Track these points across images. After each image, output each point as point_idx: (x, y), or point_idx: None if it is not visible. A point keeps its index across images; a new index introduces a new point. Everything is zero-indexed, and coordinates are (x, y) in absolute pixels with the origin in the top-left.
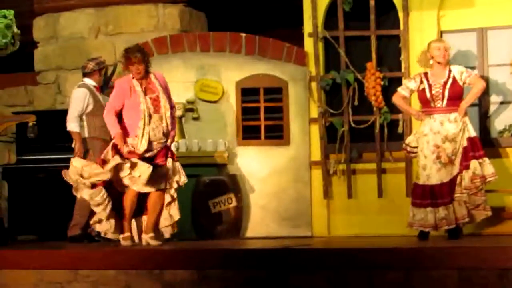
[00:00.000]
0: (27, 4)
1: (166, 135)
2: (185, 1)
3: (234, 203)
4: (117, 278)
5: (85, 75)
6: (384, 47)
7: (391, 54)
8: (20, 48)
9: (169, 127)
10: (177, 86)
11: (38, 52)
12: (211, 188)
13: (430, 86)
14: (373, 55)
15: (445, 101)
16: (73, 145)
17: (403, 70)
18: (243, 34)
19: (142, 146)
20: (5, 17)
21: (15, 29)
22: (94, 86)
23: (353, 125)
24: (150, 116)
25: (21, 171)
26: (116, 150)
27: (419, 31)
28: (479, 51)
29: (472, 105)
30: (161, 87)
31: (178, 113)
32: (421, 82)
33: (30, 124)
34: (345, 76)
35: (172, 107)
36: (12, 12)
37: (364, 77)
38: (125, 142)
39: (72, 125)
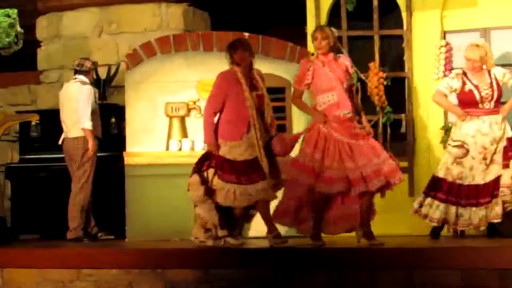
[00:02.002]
0: (31, 3)
1: (266, 136)
2: (189, 1)
3: None
4: (119, 277)
5: (81, 72)
6: (387, 47)
7: (394, 54)
8: (23, 47)
9: (270, 128)
10: (180, 86)
11: (41, 51)
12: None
13: (477, 87)
14: (376, 55)
15: (492, 103)
16: (60, 142)
17: (406, 70)
18: (246, 34)
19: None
20: (8, 16)
21: (19, 28)
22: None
23: None
24: (253, 116)
25: (24, 170)
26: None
27: (422, 31)
28: None
29: None
30: (264, 85)
31: (182, 112)
32: (464, 83)
33: (33, 123)
34: None
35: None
36: (15, 11)
37: (367, 77)
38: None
39: (88, 123)
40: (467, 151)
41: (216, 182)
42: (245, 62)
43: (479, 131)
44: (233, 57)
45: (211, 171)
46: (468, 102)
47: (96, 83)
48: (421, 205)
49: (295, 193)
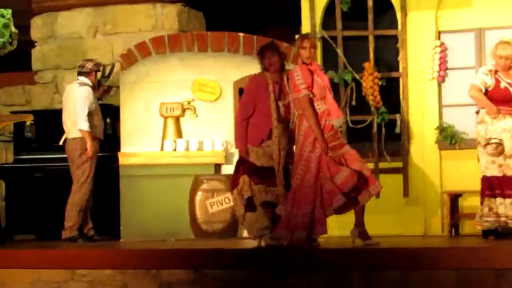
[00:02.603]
0: (25, 3)
1: (290, 143)
2: (183, 1)
3: (231, 203)
4: (114, 277)
5: (82, 74)
6: (382, 47)
7: (389, 54)
8: (18, 47)
9: (294, 134)
10: (175, 86)
11: (36, 51)
12: (208, 187)
13: (510, 85)
14: (371, 55)
15: None
16: (60, 143)
17: (400, 70)
18: (241, 34)
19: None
20: (2, 16)
21: (13, 28)
22: (91, 86)
23: (350, 125)
24: (277, 125)
25: (18, 171)
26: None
27: (417, 31)
28: (477, 51)
29: (470, 104)
30: (289, 89)
31: (176, 112)
32: (498, 80)
33: (28, 123)
34: (343, 76)
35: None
36: (9, 11)
37: (362, 77)
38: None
39: (84, 124)
40: (503, 148)
41: (254, 188)
42: (274, 67)
43: (511, 128)
44: (263, 63)
45: (245, 179)
46: (502, 100)
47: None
48: (490, 209)
49: (302, 206)
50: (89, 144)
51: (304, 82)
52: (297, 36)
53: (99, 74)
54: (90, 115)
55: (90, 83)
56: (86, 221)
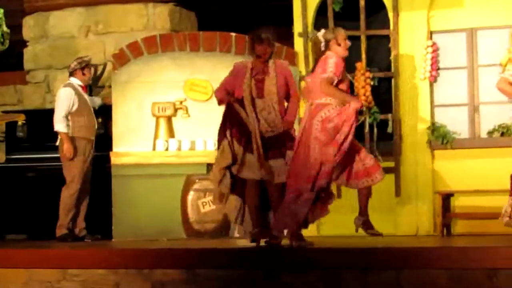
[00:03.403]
0: (17, 3)
1: (277, 124)
2: (175, 1)
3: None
4: (106, 277)
5: (70, 74)
6: (374, 47)
7: (381, 54)
8: (10, 46)
9: (279, 116)
10: (167, 86)
11: (27, 51)
12: (200, 187)
13: None
14: (363, 55)
15: None
16: (57, 143)
17: (392, 70)
18: (233, 34)
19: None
20: None
21: (5, 28)
22: (80, 85)
23: None
24: (252, 100)
25: (10, 170)
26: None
27: (409, 31)
28: (468, 51)
29: (462, 104)
30: (275, 73)
31: (168, 112)
32: None
33: (20, 123)
34: None
35: (291, 96)
36: (1, 10)
37: (354, 77)
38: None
39: (60, 126)
40: None
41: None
42: (265, 57)
43: None
44: (256, 49)
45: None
46: None
47: None
48: None
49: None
50: (65, 146)
51: (334, 71)
52: (330, 28)
53: (91, 71)
54: (76, 115)
55: (79, 82)
56: (78, 222)
